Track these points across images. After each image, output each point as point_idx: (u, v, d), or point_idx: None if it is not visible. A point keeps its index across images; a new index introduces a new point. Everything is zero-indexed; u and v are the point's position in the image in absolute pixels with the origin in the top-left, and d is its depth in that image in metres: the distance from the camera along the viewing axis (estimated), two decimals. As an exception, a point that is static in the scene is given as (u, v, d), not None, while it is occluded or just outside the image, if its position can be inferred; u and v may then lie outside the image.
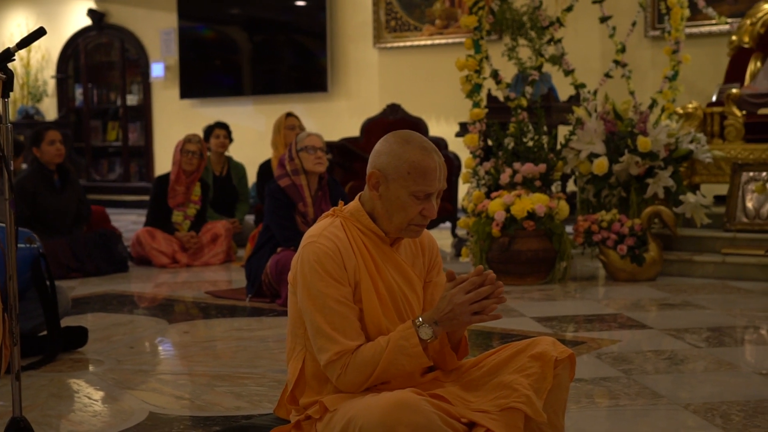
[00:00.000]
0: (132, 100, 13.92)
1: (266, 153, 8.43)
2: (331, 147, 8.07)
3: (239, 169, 8.97)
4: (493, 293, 2.49)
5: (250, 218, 9.01)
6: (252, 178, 8.92)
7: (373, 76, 11.57)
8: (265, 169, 7.90)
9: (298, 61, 12.29)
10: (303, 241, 2.62)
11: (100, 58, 14.37)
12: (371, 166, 2.62)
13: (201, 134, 8.84)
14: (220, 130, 8.80)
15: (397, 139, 2.61)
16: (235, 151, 9.20)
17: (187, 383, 4.14)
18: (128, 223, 11.11)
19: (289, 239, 5.68)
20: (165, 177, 7.97)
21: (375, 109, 10.18)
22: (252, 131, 12.11)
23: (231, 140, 8.93)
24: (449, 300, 2.50)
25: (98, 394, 3.99)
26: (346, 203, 2.74)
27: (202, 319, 5.72)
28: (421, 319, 2.53)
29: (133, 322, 5.50)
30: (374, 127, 8.90)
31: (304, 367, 2.65)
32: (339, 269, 2.56)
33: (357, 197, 2.70)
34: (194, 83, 12.97)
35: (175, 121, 12.76)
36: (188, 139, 7.88)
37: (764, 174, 6.79)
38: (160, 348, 5.01)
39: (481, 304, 2.49)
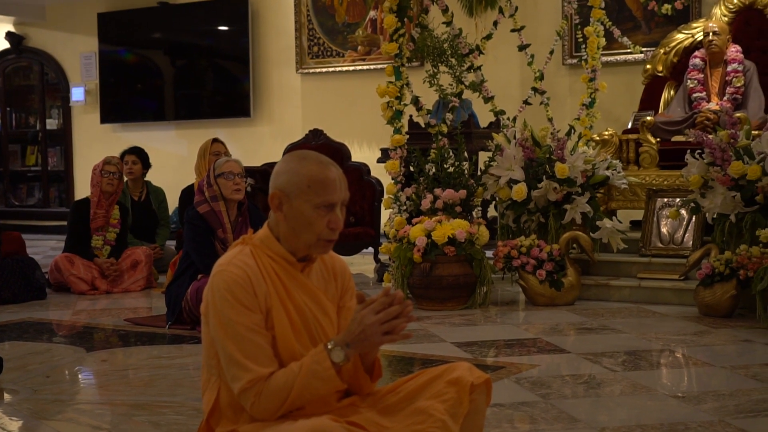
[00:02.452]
0: (52, 124, 13.73)
1: (188, 178, 8.38)
2: (253, 172, 8.05)
3: (158, 194, 8.90)
4: (402, 312, 2.52)
5: (171, 244, 8.94)
6: (173, 203, 8.85)
7: (296, 101, 11.59)
8: (187, 194, 7.84)
9: (220, 85, 12.25)
10: (213, 270, 2.63)
11: (19, 82, 14.16)
12: (272, 187, 2.64)
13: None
14: (129, 156, 8.74)
15: (293, 158, 2.65)
16: (156, 176, 9.13)
17: (105, 413, 4.09)
18: (47, 248, 10.94)
19: (209, 266, 5.55)
20: (82, 201, 7.91)
21: (297, 134, 10.19)
22: (174, 156, 12.02)
23: (147, 165, 8.84)
24: (359, 321, 2.51)
25: (13, 425, 3.93)
26: None
27: (121, 347, 5.66)
28: (332, 342, 2.54)
29: (51, 351, 5.42)
30: (297, 153, 8.88)
31: (219, 396, 2.65)
32: (249, 296, 2.56)
33: (265, 224, 2.71)
34: (115, 108, 12.85)
35: (96, 146, 12.60)
36: (107, 161, 7.85)
37: (678, 200, 6.95)
38: (77, 377, 4.94)
39: (391, 324, 2.50)
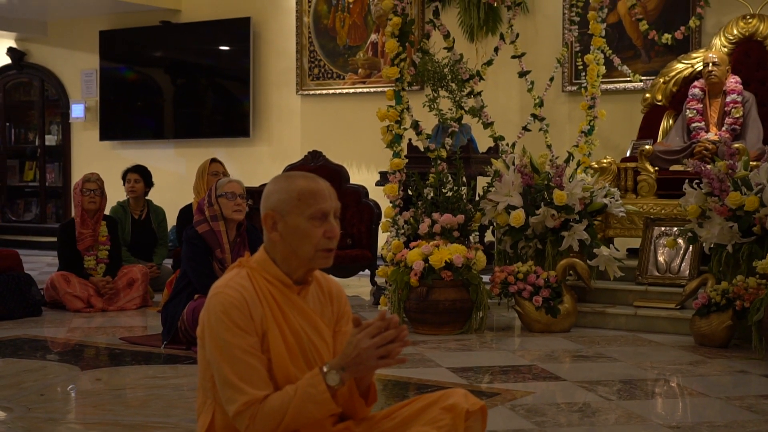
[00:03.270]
0: (51, 140, 13.76)
1: (187, 197, 8.38)
2: (251, 193, 8.03)
3: (159, 213, 8.89)
4: (398, 336, 2.53)
5: (168, 263, 8.93)
6: (172, 222, 8.85)
7: (296, 122, 11.61)
8: (185, 213, 7.85)
9: (220, 105, 12.27)
10: (210, 292, 2.63)
11: (19, 98, 14.20)
12: (263, 209, 2.67)
13: (120, 178, 8.78)
14: (131, 174, 8.74)
15: (280, 178, 2.71)
16: (155, 195, 9.13)
17: (99, 432, 4.08)
18: (43, 264, 10.93)
19: (206, 286, 5.59)
20: (69, 222, 7.87)
21: (296, 155, 10.20)
22: (173, 175, 12.03)
23: (150, 184, 8.84)
24: (355, 345, 2.52)
25: (6, 443, 3.91)
26: None
27: (115, 366, 5.64)
28: (328, 366, 2.54)
29: (45, 368, 5.40)
30: (295, 174, 8.88)
31: (214, 419, 2.64)
32: (245, 319, 2.57)
33: (261, 247, 2.72)
34: (115, 125, 12.86)
35: (94, 163, 12.58)
36: (87, 179, 7.80)
37: (675, 229, 6.96)
38: (71, 395, 4.92)
39: (386, 348, 2.51)
